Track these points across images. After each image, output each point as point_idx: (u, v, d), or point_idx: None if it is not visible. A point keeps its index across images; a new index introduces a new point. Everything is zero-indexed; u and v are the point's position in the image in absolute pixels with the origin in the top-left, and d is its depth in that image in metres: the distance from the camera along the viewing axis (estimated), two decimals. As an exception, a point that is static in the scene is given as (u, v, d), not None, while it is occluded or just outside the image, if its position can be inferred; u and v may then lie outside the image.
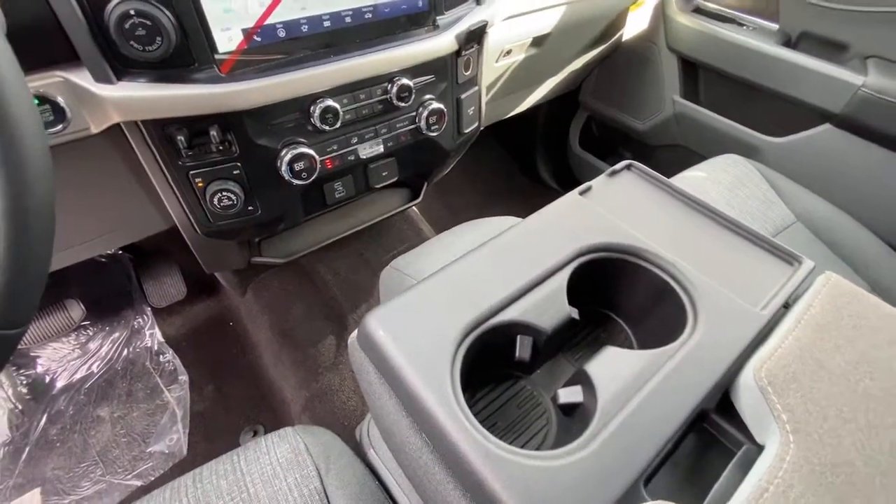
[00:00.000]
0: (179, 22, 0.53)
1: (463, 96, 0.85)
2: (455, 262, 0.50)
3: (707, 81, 1.33)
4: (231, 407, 1.14)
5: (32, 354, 1.11)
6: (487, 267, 0.49)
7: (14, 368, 1.09)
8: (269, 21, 0.60)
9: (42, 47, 0.50)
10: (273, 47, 0.62)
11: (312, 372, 1.05)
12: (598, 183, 0.62)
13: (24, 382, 1.09)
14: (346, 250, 1.21)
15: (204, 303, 1.26)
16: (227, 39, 0.58)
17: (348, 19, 0.66)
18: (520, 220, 0.60)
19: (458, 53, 0.79)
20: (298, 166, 0.68)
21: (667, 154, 1.48)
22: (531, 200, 1.77)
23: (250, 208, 0.70)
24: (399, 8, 0.71)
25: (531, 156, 1.82)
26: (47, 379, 1.11)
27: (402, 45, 0.71)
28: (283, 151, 0.67)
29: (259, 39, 0.60)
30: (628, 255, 0.52)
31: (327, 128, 0.67)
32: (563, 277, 0.49)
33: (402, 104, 0.74)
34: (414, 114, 0.79)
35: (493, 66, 1.02)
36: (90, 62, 0.52)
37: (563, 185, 1.81)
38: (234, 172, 0.66)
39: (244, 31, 0.59)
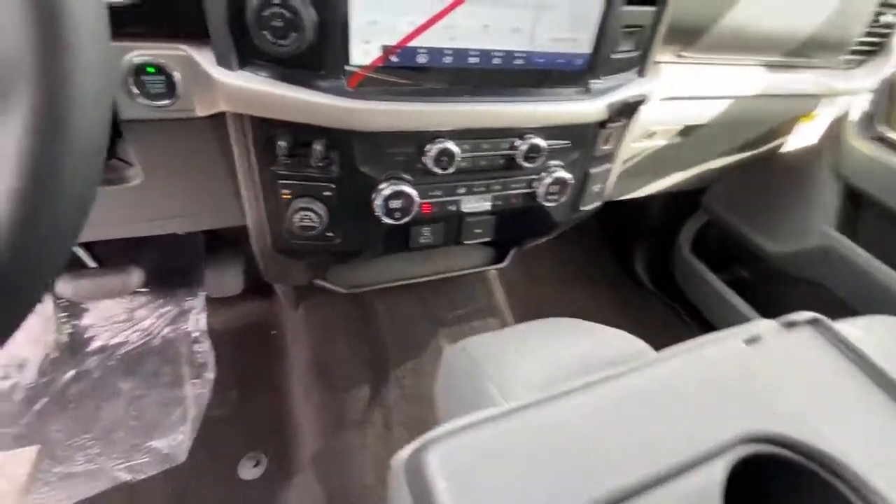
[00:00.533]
0: (322, 21, 0.48)
1: (593, 171, 0.74)
2: (564, 395, 0.36)
3: (873, 220, 1.11)
4: (245, 420, 1.05)
5: (83, 306, 1.11)
6: (612, 418, 0.35)
7: (64, 315, 1.09)
8: (413, 43, 0.53)
9: (175, 18, 0.46)
10: (408, 72, 0.55)
11: (337, 420, 0.94)
12: (768, 334, 0.46)
13: (67, 331, 1.09)
14: (410, 295, 1.11)
15: (255, 303, 1.21)
16: (363, 52, 0.52)
17: (497, 60, 0.58)
18: (645, 346, 0.45)
19: (602, 124, 0.68)
20: (394, 204, 0.59)
21: (799, 290, 1.25)
22: (619, 293, 1.58)
23: (329, 234, 0.62)
24: (554, 61, 0.62)
25: (629, 246, 1.65)
26: (88, 334, 1.10)
27: (546, 102, 0.62)
28: (384, 185, 0.59)
29: (396, 60, 0.54)
30: (813, 464, 0.36)
31: (438, 171, 0.59)
32: (717, 471, 0.33)
33: (527, 165, 0.64)
34: (534, 177, 0.68)
35: (629, 146, 0.90)
36: (218, 44, 0.47)
37: (659, 286, 1.60)
38: (325, 194, 0.58)
39: (384, 47, 0.52)
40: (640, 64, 0.69)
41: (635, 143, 0.91)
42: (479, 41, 0.56)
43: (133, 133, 0.54)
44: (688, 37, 0.75)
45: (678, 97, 0.81)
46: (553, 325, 0.63)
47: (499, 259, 0.97)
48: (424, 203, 0.63)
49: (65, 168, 0.22)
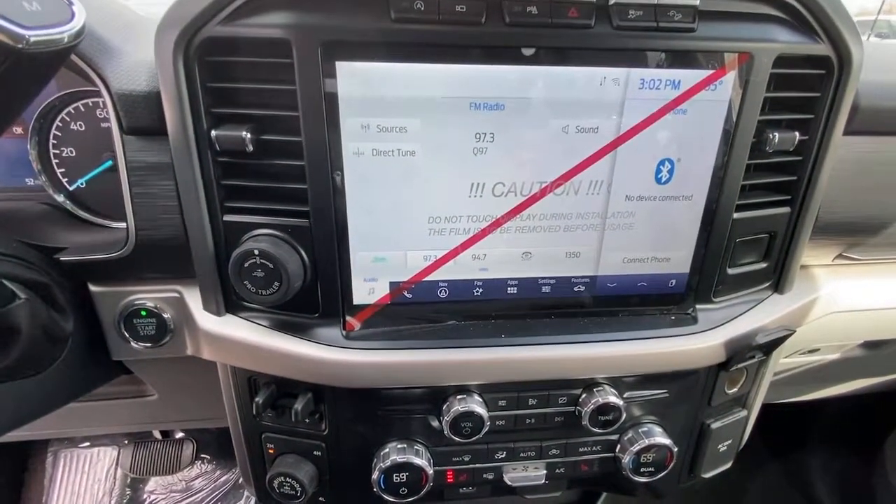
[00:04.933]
0: (315, 266, 0.40)
1: (715, 425, 0.50)
2: None
3: None
4: None
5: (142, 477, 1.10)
6: None
7: (130, 479, 1.10)
8: (432, 277, 0.42)
9: (165, 265, 0.42)
10: (423, 308, 0.43)
11: None
12: None
13: (128, 495, 1.08)
14: None
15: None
16: (367, 291, 0.42)
17: (547, 290, 0.44)
18: None
19: (723, 365, 0.46)
20: (398, 478, 0.43)
21: None
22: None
23: (322, 500, 0.47)
24: (634, 285, 0.45)
25: (801, 460, 1.18)
26: (148, 500, 1.08)
27: (626, 342, 0.44)
28: (386, 450, 0.44)
29: (409, 296, 0.43)
30: None
31: (458, 438, 0.42)
32: None
33: (598, 430, 0.44)
34: (614, 439, 0.47)
35: (780, 362, 0.63)
36: (204, 290, 0.42)
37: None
38: (315, 453, 0.45)
39: (392, 284, 0.42)
40: (773, 278, 0.48)
41: (787, 359, 0.64)
42: (519, 270, 0.43)
43: (136, 365, 0.51)
44: (852, 234, 0.52)
45: (844, 311, 0.54)
46: None
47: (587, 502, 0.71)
48: (448, 471, 0.46)
49: None
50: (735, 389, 0.49)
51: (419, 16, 0.34)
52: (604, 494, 0.69)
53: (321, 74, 0.35)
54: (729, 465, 0.53)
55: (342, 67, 0.35)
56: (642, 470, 0.46)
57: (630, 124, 0.39)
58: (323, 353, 0.41)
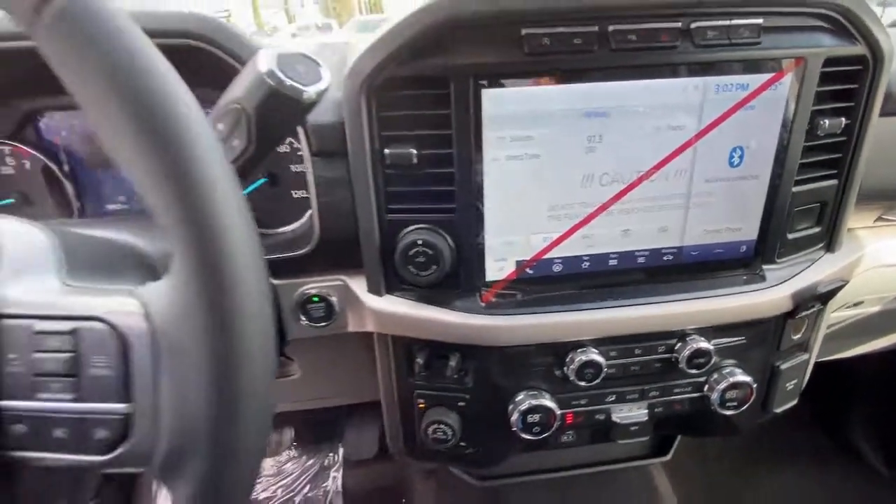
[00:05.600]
0: (458, 251, 0.50)
1: (783, 366, 0.59)
2: None
3: None
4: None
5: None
6: None
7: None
8: (548, 255, 0.52)
9: (338, 258, 0.53)
10: (543, 282, 0.53)
11: None
12: None
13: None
14: (548, 489, 0.96)
15: (388, 467, 1.19)
16: (497, 269, 0.52)
17: (641, 260, 0.54)
18: None
19: (789, 314, 0.56)
20: (532, 418, 0.53)
21: None
22: (834, 477, 1.16)
23: (462, 444, 0.58)
24: (712, 252, 0.54)
25: (842, 410, 1.25)
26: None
27: (708, 298, 0.53)
28: (520, 397, 0.54)
29: (531, 272, 0.53)
30: None
31: (583, 383, 0.52)
32: None
33: (693, 371, 0.54)
34: (703, 381, 0.57)
35: (830, 315, 0.72)
36: (370, 276, 0.52)
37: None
38: (459, 404, 0.56)
39: (518, 262, 0.52)
40: (825, 239, 0.57)
41: (836, 312, 0.73)
42: (619, 245, 0.53)
43: (295, 346, 0.61)
44: (890, 198, 0.61)
45: (886, 265, 0.63)
46: None
47: (661, 451, 0.80)
48: (568, 413, 0.56)
49: None
50: (798, 336, 0.59)
51: (546, 49, 0.44)
52: (677, 440, 0.79)
53: (471, 100, 0.45)
54: (795, 401, 0.63)
55: (487, 93, 0.45)
56: (727, 405, 0.56)
57: (708, 121, 0.49)
58: (468, 320, 0.51)
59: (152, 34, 0.45)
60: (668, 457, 0.77)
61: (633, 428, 0.63)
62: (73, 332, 0.23)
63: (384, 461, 1.19)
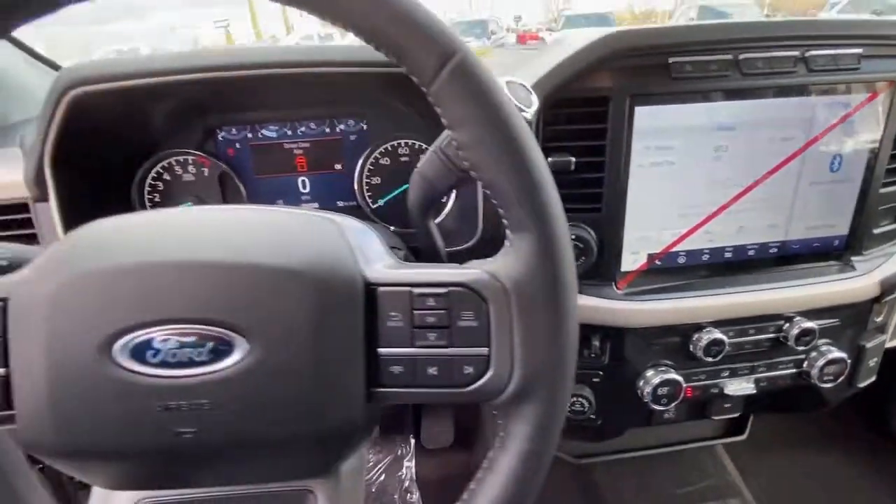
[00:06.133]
0: (601, 245, 0.58)
1: (868, 345, 0.67)
2: None
3: None
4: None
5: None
6: None
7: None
8: (675, 248, 0.61)
9: (493, 250, 0.61)
10: (669, 272, 0.61)
11: None
12: None
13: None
14: (628, 468, 1.04)
15: (461, 455, 1.25)
16: (632, 261, 0.60)
17: (751, 252, 0.62)
18: None
19: (875, 299, 0.64)
20: (661, 391, 0.61)
21: None
22: (878, 459, 1.24)
23: (592, 416, 0.65)
24: (809, 245, 0.63)
25: (882, 400, 1.34)
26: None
27: (807, 285, 0.62)
28: (650, 373, 0.62)
29: (659, 263, 0.61)
30: None
31: (709, 359, 0.60)
32: None
33: (800, 347, 0.62)
34: (802, 358, 0.65)
35: None
36: None
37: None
38: (594, 380, 0.63)
39: (650, 255, 0.61)
40: (904, 234, 0.66)
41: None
42: (734, 239, 0.61)
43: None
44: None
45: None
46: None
47: (737, 430, 0.88)
48: (688, 387, 0.64)
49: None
50: (880, 318, 0.67)
51: (688, 74, 0.53)
52: (750, 422, 0.87)
53: (626, 116, 0.53)
54: (874, 378, 0.71)
55: (639, 110, 0.54)
56: (824, 379, 0.64)
57: (815, 134, 0.58)
58: (609, 305, 0.59)
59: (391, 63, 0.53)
60: (744, 436, 0.85)
61: (727, 405, 0.71)
62: (446, 295, 0.31)
63: (458, 450, 1.26)
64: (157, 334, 0.28)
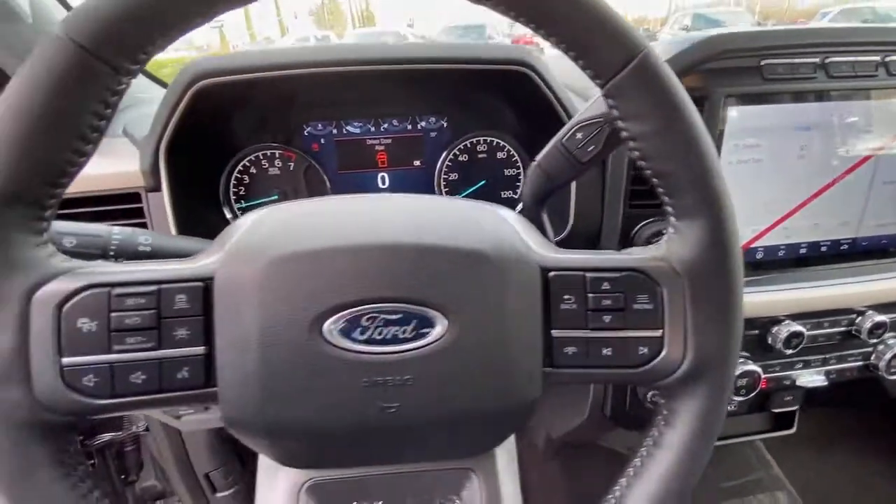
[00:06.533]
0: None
1: (929, 340, 0.70)
2: None
3: None
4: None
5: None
6: None
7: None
8: (754, 244, 0.63)
9: (585, 244, 0.63)
10: (747, 267, 0.62)
11: None
12: None
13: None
14: None
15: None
16: (713, 256, 0.62)
17: (824, 248, 0.65)
18: None
19: (939, 294, 0.67)
20: (741, 382, 0.63)
21: None
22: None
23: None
24: (878, 242, 0.66)
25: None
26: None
27: (877, 280, 0.64)
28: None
29: (738, 258, 0.63)
30: None
31: (788, 350, 0.62)
32: None
33: (873, 340, 0.64)
34: (870, 350, 0.67)
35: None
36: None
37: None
38: (674, 372, 0.65)
39: (730, 250, 0.63)
40: (963, 233, 0.69)
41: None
42: (808, 236, 0.64)
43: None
44: None
45: None
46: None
47: (786, 423, 0.90)
48: (763, 378, 0.66)
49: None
50: (940, 313, 0.70)
51: (778, 76, 0.55)
52: (796, 416, 0.89)
53: (720, 115, 0.55)
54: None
55: (731, 109, 0.56)
56: (891, 370, 0.66)
57: (890, 135, 0.60)
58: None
59: (496, 61, 0.55)
60: (793, 430, 0.87)
61: (787, 398, 0.73)
62: (620, 279, 0.32)
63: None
64: (366, 313, 0.29)
